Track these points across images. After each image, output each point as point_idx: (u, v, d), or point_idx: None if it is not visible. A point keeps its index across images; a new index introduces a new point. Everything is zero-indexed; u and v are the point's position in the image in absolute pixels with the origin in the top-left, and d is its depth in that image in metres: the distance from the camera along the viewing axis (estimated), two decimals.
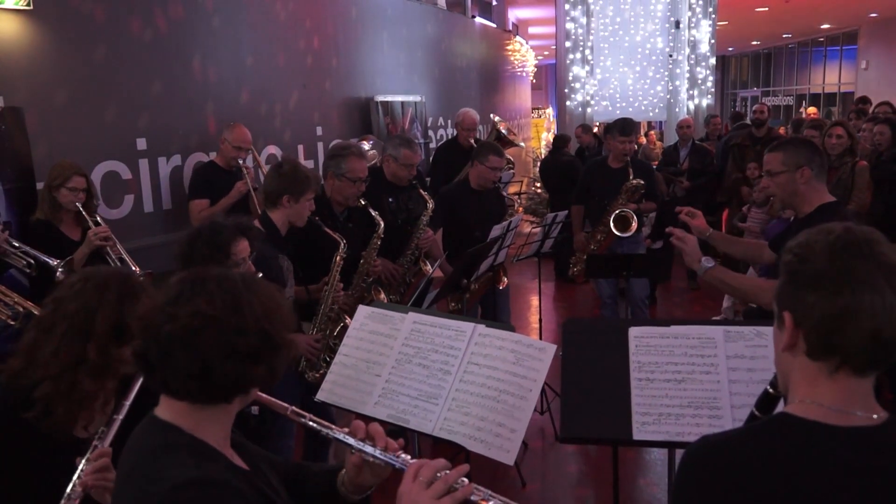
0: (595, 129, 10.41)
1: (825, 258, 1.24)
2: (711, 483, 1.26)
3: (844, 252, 1.23)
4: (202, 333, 1.29)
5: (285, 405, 1.56)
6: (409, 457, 1.47)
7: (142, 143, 4.69)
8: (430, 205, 4.47)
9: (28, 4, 3.94)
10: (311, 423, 1.54)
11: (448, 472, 1.35)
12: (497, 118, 7.89)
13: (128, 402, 1.84)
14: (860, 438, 1.24)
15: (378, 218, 3.91)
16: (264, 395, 1.50)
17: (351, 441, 1.51)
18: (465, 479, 1.34)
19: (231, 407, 1.39)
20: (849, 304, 1.21)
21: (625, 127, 5.53)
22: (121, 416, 1.81)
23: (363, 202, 3.90)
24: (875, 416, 1.26)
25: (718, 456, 1.28)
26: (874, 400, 1.29)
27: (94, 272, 2.01)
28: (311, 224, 3.49)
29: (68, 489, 1.71)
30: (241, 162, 4.79)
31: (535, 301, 7.49)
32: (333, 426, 1.54)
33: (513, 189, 9.46)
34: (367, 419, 2.19)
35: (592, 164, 6.12)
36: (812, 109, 13.56)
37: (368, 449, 1.49)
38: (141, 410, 1.78)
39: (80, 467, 1.74)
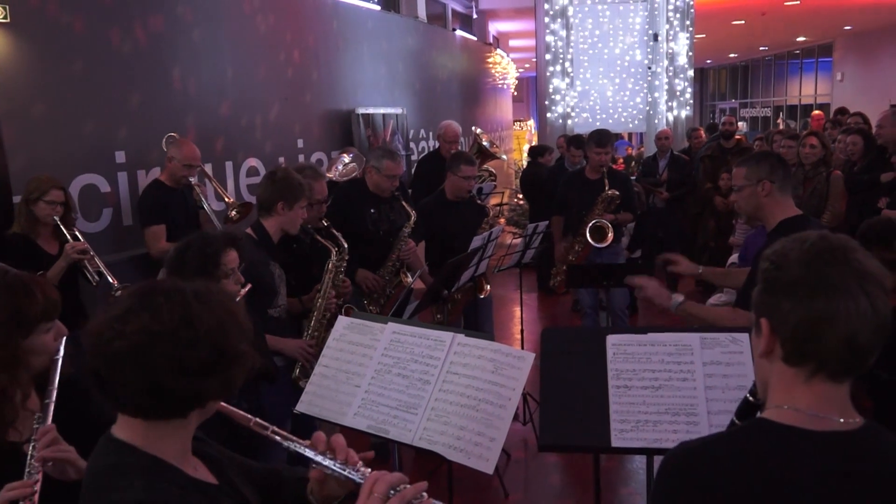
0: None
1: (800, 265, 1.26)
2: (689, 488, 1.27)
3: (819, 259, 1.25)
4: (150, 350, 1.26)
5: (248, 416, 1.52)
6: (368, 470, 1.44)
7: (120, 156, 4.65)
8: (413, 216, 4.47)
9: (5, 17, 3.91)
10: (273, 434, 1.51)
11: (406, 486, 1.33)
12: (479, 130, 7.91)
13: (54, 386, 1.81)
14: (836, 443, 1.25)
15: (342, 240, 3.83)
16: (227, 407, 1.48)
17: (310, 454, 1.48)
18: (425, 494, 1.32)
19: (188, 421, 1.36)
20: (824, 310, 1.22)
21: (601, 138, 5.57)
22: (52, 399, 1.78)
23: (326, 223, 3.88)
24: (851, 422, 1.28)
25: (696, 461, 1.29)
26: (850, 405, 1.30)
27: None
28: (304, 231, 3.56)
29: (26, 471, 1.69)
30: (192, 180, 4.52)
31: (517, 312, 7.49)
32: (295, 438, 1.51)
33: (494, 200, 9.47)
34: (347, 430, 2.19)
35: (570, 175, 6.16)
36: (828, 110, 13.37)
37: (327, 462, 1.46)
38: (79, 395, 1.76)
39: (31, 449, 1.71)
